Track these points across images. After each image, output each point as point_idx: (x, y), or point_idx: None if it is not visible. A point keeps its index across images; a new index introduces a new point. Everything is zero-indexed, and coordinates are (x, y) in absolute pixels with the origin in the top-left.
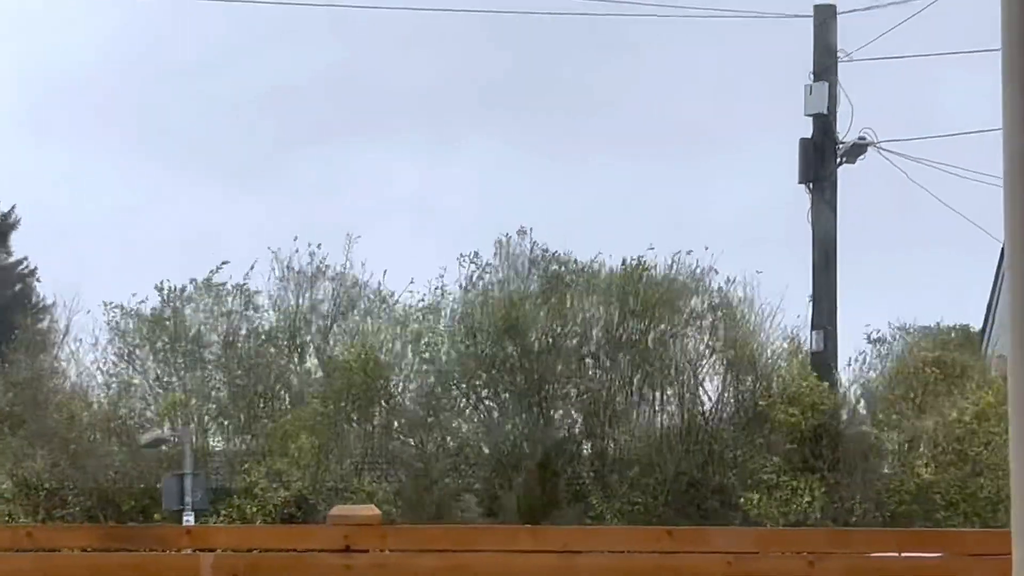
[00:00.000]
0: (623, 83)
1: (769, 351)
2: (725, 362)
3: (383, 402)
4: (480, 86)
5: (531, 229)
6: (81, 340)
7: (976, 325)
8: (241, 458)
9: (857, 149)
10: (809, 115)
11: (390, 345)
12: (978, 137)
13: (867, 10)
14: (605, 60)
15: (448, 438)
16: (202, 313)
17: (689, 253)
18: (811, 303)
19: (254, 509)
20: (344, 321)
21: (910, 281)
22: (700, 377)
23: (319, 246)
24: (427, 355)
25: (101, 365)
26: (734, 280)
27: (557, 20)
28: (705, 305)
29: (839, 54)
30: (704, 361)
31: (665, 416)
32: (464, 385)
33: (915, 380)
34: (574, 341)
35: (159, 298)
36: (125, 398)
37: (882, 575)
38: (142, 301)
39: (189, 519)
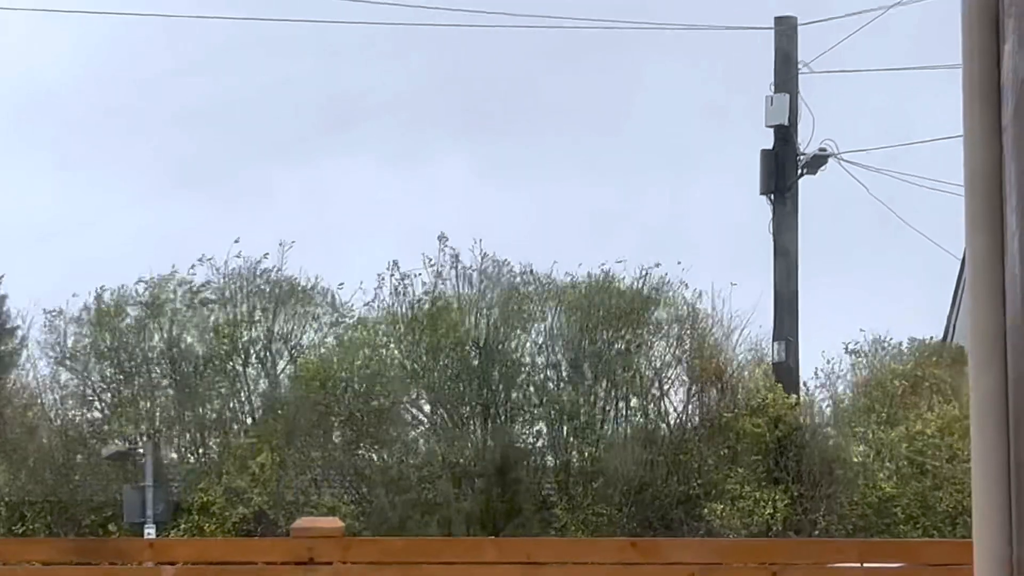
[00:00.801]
0: (583, 96)
1: (735, 363)
2: (691, 373)
3: (341, 416)
4: (448, 97)
5: (481, 240)
6: (39, 353)
7: (937, 336)
8: (196, 475)
9: (818, 160)
10: (770, 126)
11: (346, 358)
12: (938, 145)
13: (826, 21)
14: (559, 72)
15: (409, 451)
16: (151, 322)
17: (658, 266)
18: (773, 314)
19: (212, 527)
20: (301, 334)
21: (873, 292)
22: (665, 388)
23: (266, 255)
24: (386, 366)
25: (57, 377)
26: (699, 293)
27: (524, 33)
28: (671, 316)
29: (799, 66)
30: (670, 371)
31: (630, 427)
32: (424, 398)
33: (879, 392)
34: (539, 352)
35: (103, 304)
36: (79, 409)
37: None
38: (84, 309)
39: (151, 532)
